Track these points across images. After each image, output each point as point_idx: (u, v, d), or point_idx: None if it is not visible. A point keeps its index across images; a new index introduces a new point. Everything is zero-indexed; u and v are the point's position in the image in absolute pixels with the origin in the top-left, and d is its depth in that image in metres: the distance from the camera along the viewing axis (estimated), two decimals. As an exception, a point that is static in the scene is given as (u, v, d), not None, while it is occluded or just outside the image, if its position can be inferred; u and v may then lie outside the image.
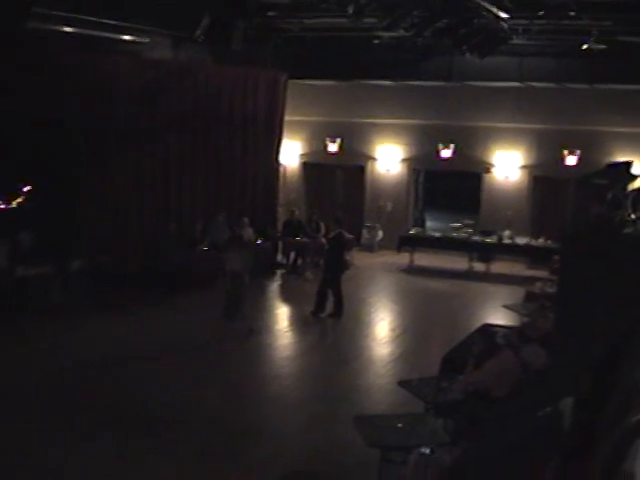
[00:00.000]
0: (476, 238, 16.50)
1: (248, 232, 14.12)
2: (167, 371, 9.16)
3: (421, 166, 18.69)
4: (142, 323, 11.37)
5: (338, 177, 19.44)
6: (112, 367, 9.25)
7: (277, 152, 16.67)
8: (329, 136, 18.65)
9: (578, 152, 16.49)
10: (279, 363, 9.97)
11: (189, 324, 11.34)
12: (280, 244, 16.16)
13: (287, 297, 13.86)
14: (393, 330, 11.62)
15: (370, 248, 18.34)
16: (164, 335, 10.76)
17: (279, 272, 15.39)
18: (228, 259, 10.89)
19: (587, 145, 16.38)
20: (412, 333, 11.38)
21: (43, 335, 10.57)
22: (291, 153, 19.08)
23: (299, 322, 11.97)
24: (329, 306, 12.16)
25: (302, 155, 19.39)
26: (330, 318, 11.97)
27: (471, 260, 16.58)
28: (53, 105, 11.86)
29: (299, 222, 16.40)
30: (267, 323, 11.69)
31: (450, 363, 7.21)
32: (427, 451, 4.70)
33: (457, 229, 17.08)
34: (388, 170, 18.70)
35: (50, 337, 10.47)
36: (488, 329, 8.03)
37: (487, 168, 17.64)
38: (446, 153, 17.68)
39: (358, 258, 16.85)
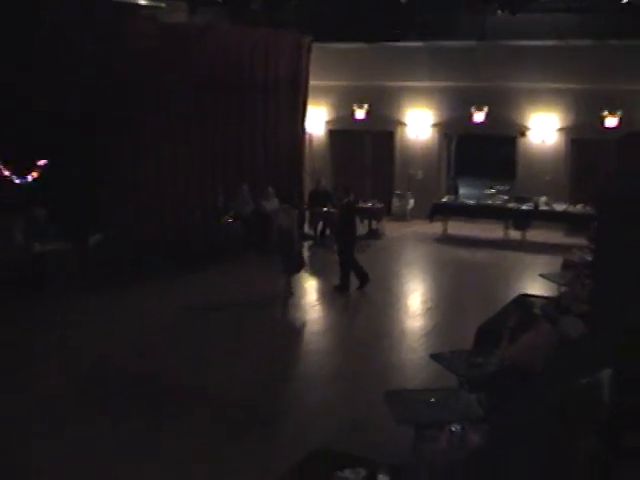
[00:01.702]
0: (511, 205, 16.35)
1: (274, 202, 14.11)
2: (198, 345, 9.41)
3: (453, 131, 18.55)
4: (162, 295, 11.66)
5: (366, 144, 19.25)
6: (139, 341, 9.49)
7: (302, 119, 16.64)
8: (356, 101, 18.54)
9: (619, 113, 16.24)
10: (308, 338, 10.07)
11: (216, 296, 11.55)
12: (307, 215, 16.11)
13: (315, 270, 13.59)
14: (426, 302, 11.62)
15: (401, 217, 18.29)
16: (189, 308, 10.99)
17: (306, 244, 15.11)
18: (276, 216, 11.52)
19: (629, 105, 16.12)
20: (445, 305, 11.37)
21: (62, 310, 10.79)
22: (317, 120, 18.97)
23: (327, 295, 11.97)
24: (354, 280, 12.13)
25: (328, 122, 19.28)
26: (358, 290, 11.96)
27: (506, 228, 16.44)
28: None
29: (326, 192, 16.24)
30: (295, 297, 11.70)
31: (485, 335, 7.18)
32: (458, 428, 4.67)
33: (491, 196, 17.01)
34: (418, 136, 18.53)
35: (70, 312, 10.69)
36: (524, 300, 8.01)
37: (522, 131, 17.50)
38: (479, 117, 17.55)
39: (389, 228, 16.94)
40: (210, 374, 8.41)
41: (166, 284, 12.31)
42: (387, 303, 11.52)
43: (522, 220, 16.12)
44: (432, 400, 5.72)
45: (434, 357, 7.01)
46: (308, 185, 17.13)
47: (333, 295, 11.78)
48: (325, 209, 15.60)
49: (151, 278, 12.41)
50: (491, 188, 17.29)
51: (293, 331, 10.32)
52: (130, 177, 13.51)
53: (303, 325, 10.59)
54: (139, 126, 13.35)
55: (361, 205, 15.57)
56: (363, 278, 12.06)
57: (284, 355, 9.21)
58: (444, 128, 18.28)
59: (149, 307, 11.01)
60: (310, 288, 12.70)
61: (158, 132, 13.58)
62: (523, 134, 17.46)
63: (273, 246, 11.98)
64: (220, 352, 9.17)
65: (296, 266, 11.17)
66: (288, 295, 11.22)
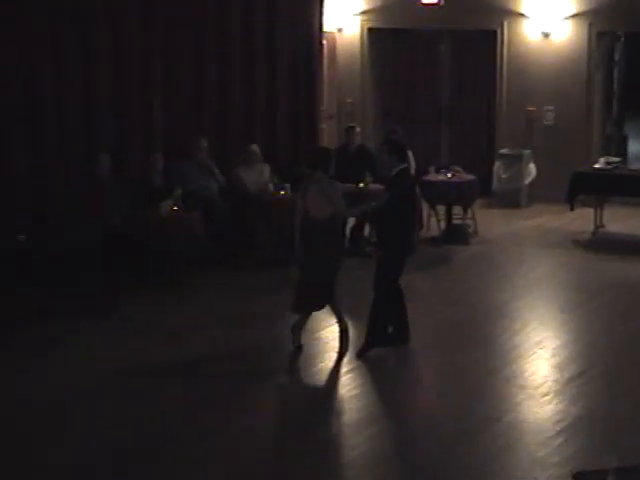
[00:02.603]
0: None
1: (261, 172, 13.55)
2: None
3: (618, 24, 16.69)
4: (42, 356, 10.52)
5: (442, 55, 18.15)
6: None
7: (319, 9, 15.32)
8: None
9: None
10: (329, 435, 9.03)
11: (157, 352, 10.54)
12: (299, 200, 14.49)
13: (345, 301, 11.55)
14: (562, 370, 10.05)
15: (512, 200, 17.02)
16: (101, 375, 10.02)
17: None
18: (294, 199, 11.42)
19: None
20: (602, 375, 9.96)
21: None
22: (344, 11, 17.73)
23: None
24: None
25: (365, 13, 17.79)
26: (391, 348, 10.63)
27: None
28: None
29: (364, 150, 14.67)
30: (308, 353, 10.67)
31: None
32: None
33: None
34: (547, 34, 16.66)
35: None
36: None
37: None
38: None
39: (486, 221, 15.73)
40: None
41: (51, 334, 11.03)
42: (481, 369, 10.05)
43: None
44: None
45: (582, 478, 6.17)
46: (330, 138, 16.68)
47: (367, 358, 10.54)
48: (362, 184, 13.90)
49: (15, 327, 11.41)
50: None
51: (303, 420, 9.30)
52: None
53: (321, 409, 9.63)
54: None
55: (429, 178, 14.82)
56: (400, 330, 10.66)
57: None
58: (598, 20, 16.40)
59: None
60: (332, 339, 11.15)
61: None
62: None
63: (269, 257, 12.79)
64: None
65: (330, 296, 10.39)
66: (298, 348, 10.50)
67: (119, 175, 13.10)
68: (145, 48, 13.62)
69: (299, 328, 10.52)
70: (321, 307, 10.58)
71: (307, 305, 10.52)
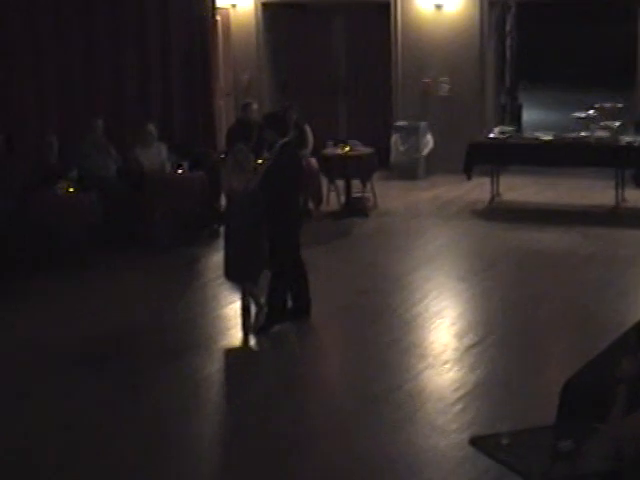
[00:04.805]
0: (629, 140, 14.82)
1: (157, 151, 13.48)
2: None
3: None
4: None
5: (336, 29, 18.41)
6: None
7: None
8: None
9: None
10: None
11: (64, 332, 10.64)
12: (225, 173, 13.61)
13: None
14: (461, 336, 10.37)
15: (409, 172, 17.25)
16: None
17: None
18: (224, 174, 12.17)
19: None
20: (500, 341, 10.29)
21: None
22: None
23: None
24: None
25: None
26: (291, 322, 10.80)
27: (619, 186, 15.15)
28: None
29: (260, 127, 13.74)
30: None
31: (578, 397, 6.57)
32: None
33: (587, 124, 15.44)
34: (439, 6, 17.05)
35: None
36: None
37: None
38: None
39: (385, 194, 15.88)
40: None
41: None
42: (381, 340, 10.19)
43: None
44: None
45: (477, 442, 6.28)
46: (227, 115, 17.07)
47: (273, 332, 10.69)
48: (259, 160, 13.21)
49: None
50: (587, 109, 15.90)
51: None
52: None
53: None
54: None
55: (327, 152, 15.06)
56: (301, 304, 10.82)
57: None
58: None
59: None
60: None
61: None
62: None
63: (162, 238, 12.69)
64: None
65: (260, 265, 10.59)
66: (261, 324, 10.52)
67: (12, 155, 12.89)
68: (37, 29, 13.41)
69: (248, 296, 10.51)
70: (251, 278, 10.63)
71: (237, 274, 10.63)
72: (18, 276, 11.96)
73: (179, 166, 13.39)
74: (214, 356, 10.03)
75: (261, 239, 10.54)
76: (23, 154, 12.96)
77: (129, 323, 10.83)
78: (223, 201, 13.64)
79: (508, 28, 17.70)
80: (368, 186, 15.07)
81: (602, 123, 15.36)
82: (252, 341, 10.51)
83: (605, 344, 7.30)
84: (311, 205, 14.29)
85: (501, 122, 17.11)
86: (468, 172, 15.20)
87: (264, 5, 17.98)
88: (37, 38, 13.39)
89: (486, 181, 15.49)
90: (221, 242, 11.97)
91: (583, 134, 15.12)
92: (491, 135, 15.59)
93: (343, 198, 15.04)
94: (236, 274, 10.64)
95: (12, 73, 13.11)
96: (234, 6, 17.89)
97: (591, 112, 15.68)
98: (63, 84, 13.63)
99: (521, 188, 16.06)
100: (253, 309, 10.71)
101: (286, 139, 10.46)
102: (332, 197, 14.70)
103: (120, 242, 12.93)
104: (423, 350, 9.94)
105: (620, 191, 15.11)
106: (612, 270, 12.36)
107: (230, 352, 10.25)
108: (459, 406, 8.43)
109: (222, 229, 12.04)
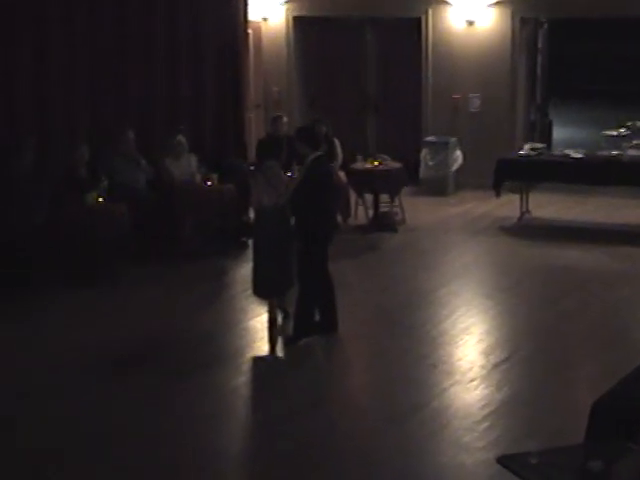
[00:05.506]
0: None
1: (189, 163, 13.41)
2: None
3: (541, 11, 16.86)
4: None
5: (367, 43, 18.12)
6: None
7: (243, 1, 15.32)
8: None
9: None
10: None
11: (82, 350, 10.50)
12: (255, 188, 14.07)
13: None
14: (488, 354, 10.26)
15: (438, 188, 17.07)
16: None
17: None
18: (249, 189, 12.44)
19: None
20: (528, 359, 10.18)
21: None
22: (269, 0, 17.83)
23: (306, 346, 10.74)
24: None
25: (290, 2, 17.97)
26: (318, 336, 10.67)
27: None
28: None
29: (291, 140, 13.36)
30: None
31: (609, 417, 6.50)
32: None
33: (619, 140, 15.40)
34: (471, 22, 16.87)
35: None
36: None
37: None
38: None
39: (414, 209, 15.66)
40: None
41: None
42: (408, 356, 10.16)
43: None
44: None
45: (505, 461, 6.21)
46: (257, 127, 16.79)
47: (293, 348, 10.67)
48: (289, 174, 13.36)
49: None
50: (621, 126, 15.87)
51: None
52: None
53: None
54: None
55: (356, 166, 14.79)
56: (328, 318, 10.70)
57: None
58: (522, 8, 16.70)
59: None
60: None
61: None
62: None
63: (196, 248, 12.73)
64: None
65: (289, 282, 10.54)
66: (288, 336, 10.48)
67: (41, 170, 12.79)
68: (68, 35, 13.34)
69: (276, 308, 10.52)
70: (279, 294, 10.64)
71: (265, 291, 10.60)
72: (49, 288, 11.93)
73: (209, 178, 13.43)
74: (241, 368, 9.95)
75: (290, 255, 10.55)
76: (53, 164, 12.91)
77: (157, 334, 10.85)
78: (252, 214, 13.45)
79: (540, 44, 17.63)
80: (397, 201, 15.07)
81: (634, 141, 15.20)
82: (279, 354, 10.48)
83: (634, 364, 7.19)
84: (340, 219, 13.83)
85: (531, 139, 16.96)
86: (497, 189, 15.14)
87: (295, 19, 18.01)
88: (69, 46, 13.33)
89: (515, 198, 15.41)
90: (249, 254, 11.92)
91: (614, 152, 14.91)
92: (521, 152, 15.50)
93: (371, 212, 15.01)
94: (264, 291, 10.66)
95: (45, 80, 13.09)
96: (265, 19, 17.95)
97: (622, 130, 15.65)
98: (94, 94, 13.60)
99: (550, 205, 15.95)
100: (280, 322, 10.69)
101: (318, 153, 10.42)
102: (360, 211, 14.63)
103: (149, 253, 12.90)
104: (450, 367, 9.91)
105: (656, 209, 15.40)
106: (620, 289, 12.14)
107: (257, 364, 10.19)
108: (486, 424, 8.39)
109: (250, 242, 12.04)
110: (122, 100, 13.89)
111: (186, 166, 13.21)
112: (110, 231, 12.41)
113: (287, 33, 18.10)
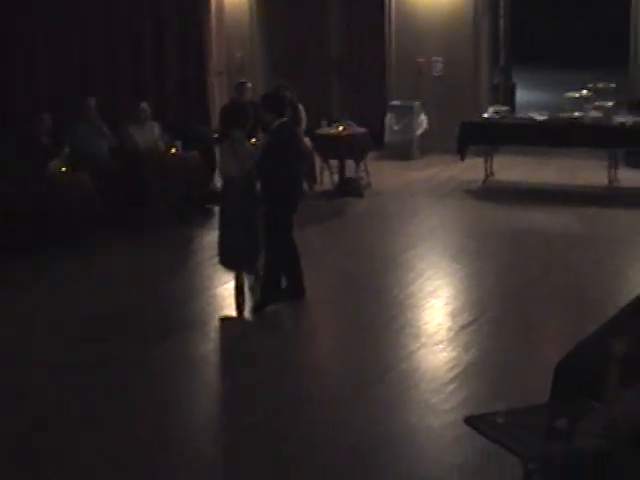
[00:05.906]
0: (622, 120, 14.78)
1: (151, 130, 13.51)
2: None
3: None
4: None
5: (331, 6, 18.29)
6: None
7: None
8: None
9: None
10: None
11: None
12: (218, 152, 13.49)
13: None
14: (455, 316, 10.31)
15: (403, 153, 17.25)
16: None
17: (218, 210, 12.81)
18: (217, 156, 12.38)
19: None
20: (493, 320, 10.21)
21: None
22: None
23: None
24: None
25: None
26: (285, 302, 10.71)
27: (613, 166, 15.14)
28: None
29: (255, 107, 13.47)
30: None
31: (572, 376, 6.61)
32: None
33: (580, 104, 15.52)
34: None
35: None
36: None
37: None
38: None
39: (379, 174, 15.87)
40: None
41: None
42: (376, 320, 10.13)
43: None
44: None
45: (473, 421, 6.20)
46: (220, 94, 16.86)
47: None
48: (254, 140, 13.07)
49: None
50: (581, 89, 15.97)
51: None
52: None
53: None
54: None
55: (321, 131, 15.05)
56: (295, 284, 10.78)
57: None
58: None
59: None
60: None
61: None
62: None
63: (156, 217, 12.71)
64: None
65: (257, 252, 10.51)
66: (255, 303, 10.48)
67: (4, 138, 12.77)
68: (28, 6, 13.21)
69: (242, 289, 10.49)
70: (248, 265, 10.65)
71: (233, 261, 10.59)
72: (16, 258, 11.83)
73: (172, 145, 13.38)
74: (209, 335, 9.98)
75: (257, 225, 10.52)
76: (14, 132, 12.84)
77: (124, 302, 10.79)
78: (217, 181, 13.61)
79: (502, 7, 17.75)
80: (362, 166, 15.08)
81: (596, 103, 15.37)
82: (246, 320, 10.43)
83: (598, 324, 7.28)
84: (305, 186, 13.76)
85: (495, 102, 17.13)
86: (462, 152, 15.24)
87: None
88: (30, 16, 13.19)
89: (480, 161, 15.49)
90: (214, 222, 11.90)
91: (577, 114, 15.09)
92: (485, 115, 15.68)
93: (337, 178, 15.03)
94: (232, 261, 10.64)
95: (7, 48, 12.97)
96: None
97: (584, 92, 15.77)
98: (56, 62, 13.49)
99: (514, 168, 16.11)
100: (247, 289, 10.67)
101: (283, 119, 10.44)
102: (326, 177, 14.65)
103: (114, 221, 12.83)
104: (417, 330, 9.91)
105: (613, 171, 15.09)
106: (605, 250, 12.27)
107: (224, 331, 10.18)
108: (453, 385, 8.43)
109: (216, 209, 11.95)
110: (84, 68, 13.82)
111: (149, 134, 13.20)
112: (74, 199, 12.34)
113: (252, 2, 18.18)
